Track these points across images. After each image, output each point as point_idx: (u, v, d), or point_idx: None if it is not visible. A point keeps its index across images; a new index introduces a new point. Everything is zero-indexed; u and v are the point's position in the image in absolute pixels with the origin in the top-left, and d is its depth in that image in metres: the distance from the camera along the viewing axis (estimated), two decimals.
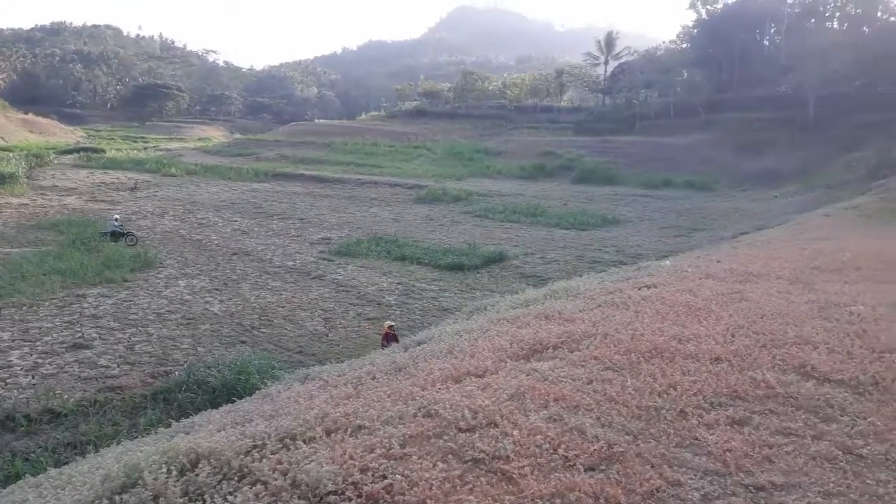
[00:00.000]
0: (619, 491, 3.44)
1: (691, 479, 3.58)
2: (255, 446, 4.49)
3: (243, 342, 14.60)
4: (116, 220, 25.77)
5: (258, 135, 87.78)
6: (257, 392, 8.77)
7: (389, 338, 16.13)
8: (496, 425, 4.26)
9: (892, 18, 75.49)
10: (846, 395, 4.73)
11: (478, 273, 22.31)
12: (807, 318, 7.17)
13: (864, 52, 62.84)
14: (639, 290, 9.79)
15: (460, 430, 4.28)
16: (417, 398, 5.06)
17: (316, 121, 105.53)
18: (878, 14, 76.64)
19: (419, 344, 9.19)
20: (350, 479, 3.71)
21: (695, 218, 36.40)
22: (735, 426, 4.22)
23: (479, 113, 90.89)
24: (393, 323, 17.81)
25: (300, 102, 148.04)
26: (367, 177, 49.95)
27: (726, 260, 12.87)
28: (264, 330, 15.59)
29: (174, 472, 4.16)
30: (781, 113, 61.17)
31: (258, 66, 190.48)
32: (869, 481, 3.53)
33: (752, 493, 3.44)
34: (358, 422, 4.75)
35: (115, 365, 12.61)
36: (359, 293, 19.25)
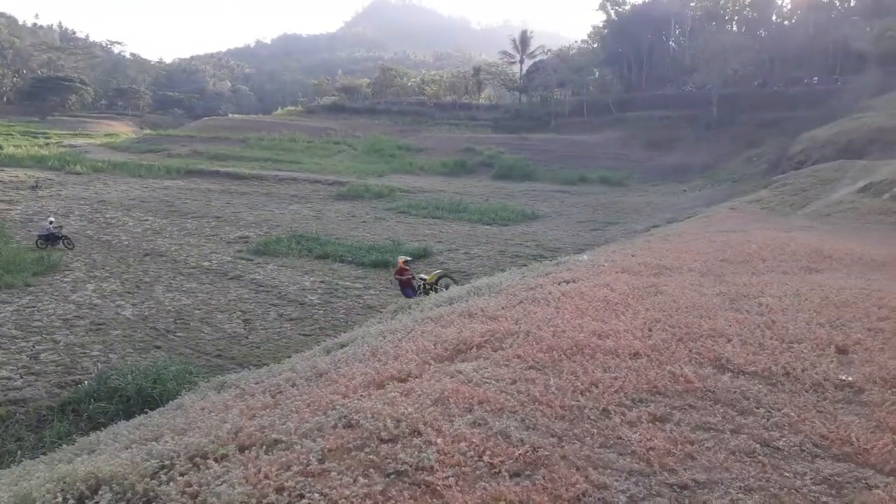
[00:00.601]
0: (546, 497, 3.36)
1: (617, 480, 3.54)
2: (162, 467, 4.17)
3: (158, 347, 13.95)
4: (52, 222, 23.89)
5: (169, 130, 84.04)
6: (170, 403, 8.28)
7: (405, 282, 16.13)
8: (420, 434, 4.10)
9: (786, 22, 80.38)
10: (760, 386, 4.85)
11: None
12: (719, 309, 7.38)
13: (761, 54, 66.69)
14: (558, 285, 9.87)
15: (382, 440, 4.09)
16: (338, 407, 4.83)
17: (230, 116, 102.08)
18: (773, 18, 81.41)
19: (342, 346, 8.93)
20: (265, 501, 3.47)
21: (609, 212, 37.52)
22: (657, 423, 4.23)
23: (399, 109, 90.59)
24: (409, 258, 17.53)
25: (213, 97, 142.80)
26: (285, 173, 48.77)
27: (640, 254, 13.20)
28: (180, 334, 14.93)
29: (70, 502, 3.79)
30: (687, 111, 64.17)
31: (167, 59, 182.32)
32: (786, 474, 3.59)
33: (676, 492, 3.43)
34: (274, 435, 4.49)
35: (18, 376, 11.78)
36: (279, 293, 18.70)
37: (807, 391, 4.76)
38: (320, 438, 4.25)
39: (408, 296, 15.81)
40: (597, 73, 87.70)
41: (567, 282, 10.11)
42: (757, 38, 75.24)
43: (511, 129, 75.38)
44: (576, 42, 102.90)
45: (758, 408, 4.47)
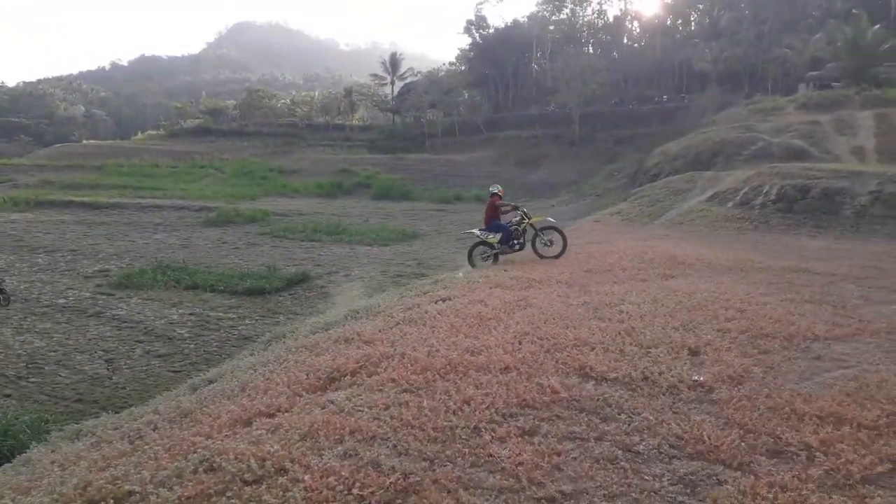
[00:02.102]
0: None
1: (486, 500, 3.52)
2: None
3: (8, 396, 12.50)
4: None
5: (14, 159, 76.96)
6: (18, 458, 7.43)
7: (493, 215, 14.74)
8: (286, 472, 3.90)
9: (636, 45, 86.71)
10: (621, 392, 5.07)
11: (280, 296, 21.13)
12: (584, 319, 7.68)
13: (616, 74, 71.46)
14: (435, 303, 9.92)
15: (245, 482, 3.85)
16: (200, 450, 4.51)
17: (84, 142, 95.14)
18: (625, 41, 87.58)
19: (210, 382, 8.45)
20: None
21: None
22: (525, 437, 4.29)
23: (270, 131, 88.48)
24: (498, 189, 15.52)
25: (64, 122, 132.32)
26: (148, 200, 45.83)
27: (511, 268, 13.58)
28: (34, 379, 13.44)
29: None
30: (552, 130, 67.45)
31: (10, 83, 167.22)
32: (646, 477, 3.74)
33: None
34: (127, 487, 4.11)
35: None
36: (145, 328, 17.33)
37: (663, 394, 5.02)
38: (178, 486, 3.94)
39: (503, 243, 14.57)
40: (466, 94, 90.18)
41: (443, 300, 10.18)
42: (612, 60, 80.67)
43: (386, 149, 75.70)
44: (444, 64, 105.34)
45: (619, 413, 4.65)
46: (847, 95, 45.01)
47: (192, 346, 16.03)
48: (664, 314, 7.61)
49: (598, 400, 4.87)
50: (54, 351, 15.25)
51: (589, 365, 5.65)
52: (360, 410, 4.79)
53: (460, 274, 13.66)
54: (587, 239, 20.05)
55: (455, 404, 4.78)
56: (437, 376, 5.47)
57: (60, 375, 13.73)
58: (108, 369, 14.28)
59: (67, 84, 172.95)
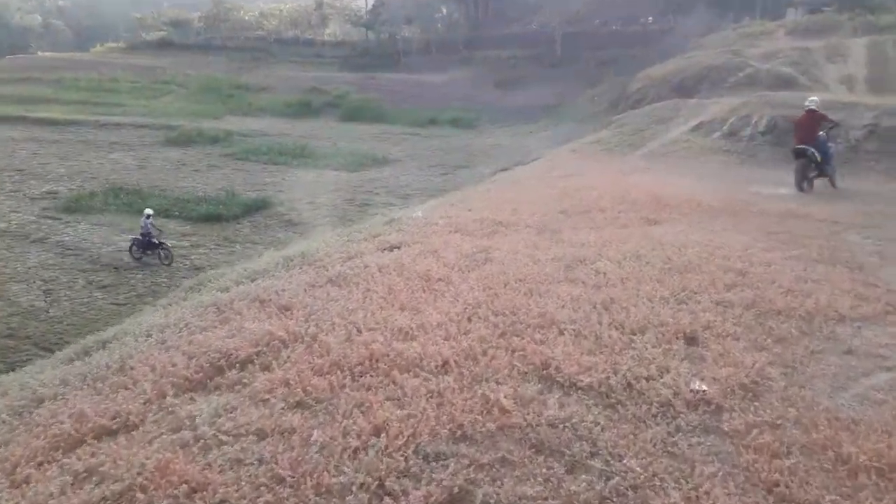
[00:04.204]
0: None
1: None
2: None
3: None
4: (150, 216, 16.31)
5: None
6: None
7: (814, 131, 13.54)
8: None
9: None
10: (596, 412, 3.68)
11: (238, 224, 19.75)
12: (553, 282, 6.27)
13: None
14: (381, 252, 8.45)
15: None
16: None
17: (39, 54, 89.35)
18: None
19: (104, 344, 7.00)
20: None
21: (460, 155, 36.55)
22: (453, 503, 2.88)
23: (236, 45, 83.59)
24: (816, 103, 14.18)
25: (20, 32, 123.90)
26: (106, 117, 42.74)
27: (478, 207, 12.06)
28: None
29: None
30: (532, 50, 64.48)
31: None
32: None
33: None
34: None
35: None
36: (90, 256, 15.93)
37: (654, 417, 3.65)
38: None
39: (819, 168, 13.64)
40: (444, 10, 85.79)
41: (391, 248, 8.70)
42: None
43: (358, 67, 72.01)
44: None
45: (592, 457, 3.26)
46: (839, 21, 43.03)
47: (139, 276, 14.81)
48: (651, 278, 6.19)
49: (563, 428, 3.48)
50: None
51: (555, 361, 4.23)
52: (222, 444, 3.35)
53: (419, 213, 12.11)
54: (564, 171, 18.46)
55: (360, 437, 3.36)
56: (347, 378, 4.04)
57: None
58: (45, 301, 13.08)
59: None
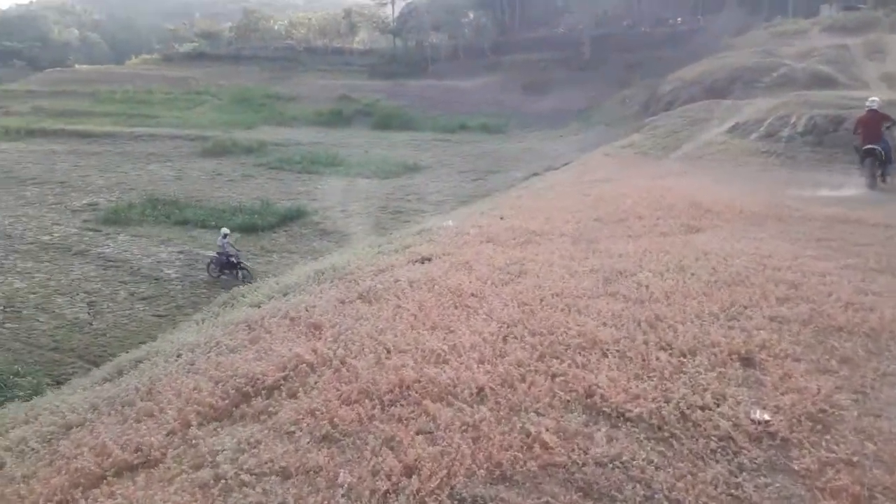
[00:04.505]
0: None
1: None
2: None
3: None
4: (226, 235, 15.94)
5: (6, 85, 73.80)
6: None
7: (878, 131, 13.63)
8: None
9: None
10: (649, 448, 3.35)
11: (274, 233, 20.10)
12: (591, 297, 5.95)
13: None
14: (411, 265, 8.22)
15: None
16: None
17: (76, 67, 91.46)
18: None
19: (137, 363, 6.91)
20: None
21: (490, 160, 36.34)
22: None
23: (267, 55, 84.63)
24: (878, 103, 14.31)
25: (59, 47, 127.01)
26: (141, 129, 43.57)
27: (510, 214, 11.78)
28: (9, 325, 12.54)
29: None
30: (560, 54, 63.95)
31: (3, 5, 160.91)
32: None
33: None
34: None
35: None
36: (131, 268, 16.25)
37: (714, 454, 3.30)
38: None
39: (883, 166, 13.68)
40: (471, 16, 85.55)
41: (422, 260, 8.46)
42: None
43: (387, 75, 72.29)
44: None
45: (647, 501, 2.95)
46: (876, 17, 41.82)
47: (178, 287, 15.08)
48: (697, 292, 5.82)
49: (612, 468, 3.16)
50: (34, 293, 14.30)
51: (599, 388, 3.91)
52: (241, 487, 3.12)
53: (450, 222, 11.86)
54: (596, 176, 18.05)
55: (389, 478, 3.09)
56: (375, 410, 3.78)
57: (39, 321, 12.79)
58: (89, 314, 13.40)
59: (61, 6, 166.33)
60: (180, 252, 17.57)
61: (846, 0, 51.05)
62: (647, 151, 24.11)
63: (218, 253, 15.43)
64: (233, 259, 15.47)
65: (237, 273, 15.52)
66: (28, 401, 7.61)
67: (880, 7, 44.44)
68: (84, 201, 24.20)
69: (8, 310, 13.27)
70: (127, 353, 7.80)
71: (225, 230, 15.95)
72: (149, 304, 13.96)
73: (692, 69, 39.57)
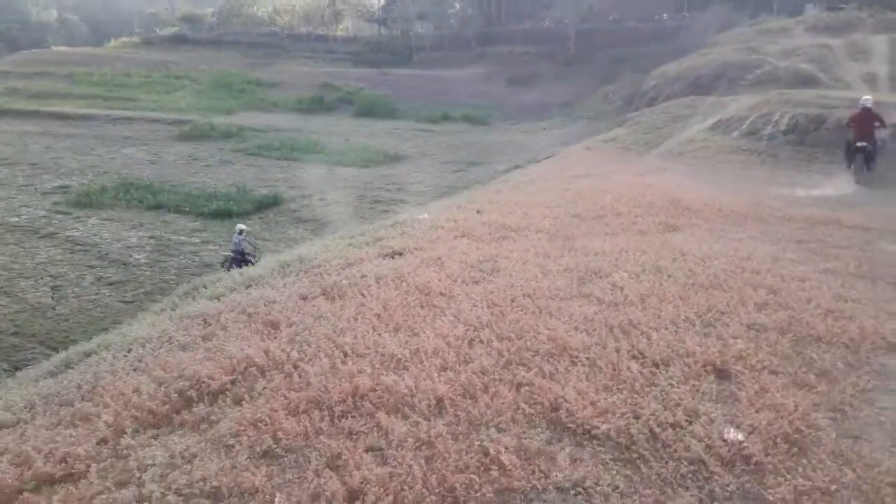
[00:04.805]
0: None
1: None
2: None
3: None
4: (242, 232, 14.93)
5: None
6: None
7: (870, 129, 14.55)
8: None
9: None
10: (615, 471, 3.10)
11: (249, 220, 19.67)
12: (564, 298, 5.71)
13: None
14: (381, 260, 7.93)
15: None
16: None
17: (53, 48, 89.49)
18: None
19: (86, 356, 6.57)
20: None
21: (472, 152, 36.10)
22: None
23: (249, 40, 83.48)
24: (870, 101, 15.12)
25: (38, 28, 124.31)
26: (119, 112, 42.69)
27: (488, 208, 11.52)
28: None
29: None
30: (546, 47, 63.92)
31: None
32: None
33: None
34: None
35: None
36: (100, 252, 15.79)
37: (683, 479, 3.06)
38: None
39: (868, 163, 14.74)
40: (457, 6, 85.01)
41: (392, 255, 8.18)
42: None
43: (371, 63, 71.66)
44: None
45: None
46: (859, 18, 41.98)
47: (147, 272, 14.64)
48: (673, 295, 5.60)
49: (574, 493, 2.91)
50: None
51: (566, 402, 3.66)
52: None
53: (425, 215, 11.56)
54: (577, 171, 17.84)
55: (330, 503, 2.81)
56: (324, 423, 3.50)
57: (0, 304, 12.32)
58: (52, 298, 12.99)
59: None
60: (151, 237, 17.15)
61: (830, 0, 51.33)
62: (629, 146, 23.98)
63: (233, 251, 14.52)
64: (250, 258, 14.00)
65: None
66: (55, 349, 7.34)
67: (864, 8, 44.67)
68: (55, 184, 23.56)
69: None
70: (76, 345, 7.43)
71: (241, 226, 15.00)
72: (115, 289, 13.57)
73: (677, 65, 39.53)
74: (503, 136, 42.15)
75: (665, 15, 69.32)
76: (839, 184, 15.37)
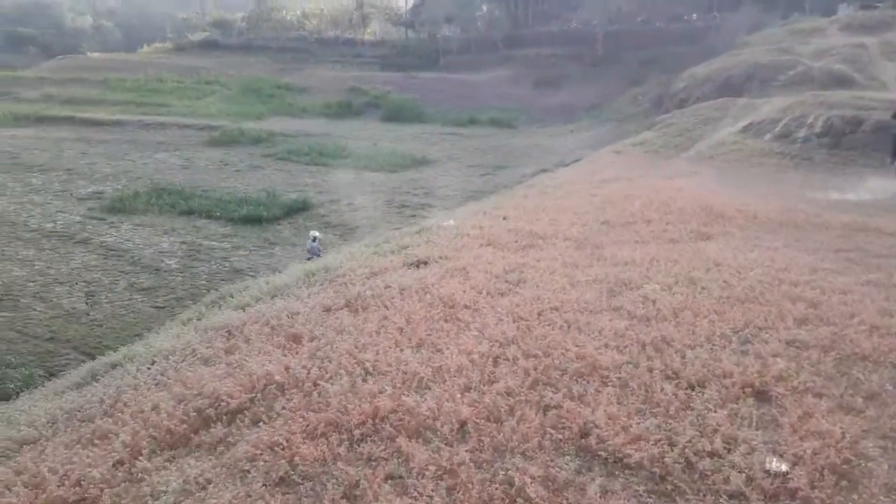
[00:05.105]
0: None
1: None
2: None
3: None
4: (316, 238, 15.54)
5: (19, 72, 73.65)
6: None
7: None
8: None
9: None
10: None
11: (278, 225, 19.75)
12: (593, 312, 5.52)
13: None
14: (405, 269, 7.81)
15: None
16: None
17: (88, 55, 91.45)
18: None
19: (113, 367, 6.59)
20: None
21: (499, 155, 35.94)
22: None
23: (278, 45, 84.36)
24: None
25: (73, 34, 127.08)
26: (151, 118, 43.33)
27: (514, 214, 11.33)
28: (5, 314, 12.01)
29: None
30: (573, 49, 63.48)
31: None
32: None
33: None
34: None
35: None
36: (132, 258, 15.87)
37: None
38: None
39: None
40: (484, 9, 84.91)
41: (417, 264, 8.05)
42: None
43: (398, 67, 71.89)
44: None
45: None
46: (894, 16, 40.97)
47: (179, 278, 14.59)
48: (708, 309, 5.38)
49: None
50: (33, 281, 13.76)
51: (596, 427, 3.48)
52: None
53: (451, 222, 11.42)
54: (606, 175, 17.55)
55: None
56: (342, 448, 3.37)
57: (36, 310, 12.32)
58: (86, 303, 12.90)
59: None
60: (183, 242, 17.27)
61: None
62: (658, 150, 23.58)
63: (308, 259, 14.69)
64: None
65: None
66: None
67: None
68: (90, 189, 23.91)
69: (5, 298, 12.80)
70: (104, 355, 7.44)
71: (314, 233, 15.30)
72: (148, 294, 13.50)
73: (707, 66, 38.92)
74: (530, 140, 41.88)
75: (694, 15, 68.46)
76: (877, 188, 14.90)
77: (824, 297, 5.75)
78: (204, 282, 14.62)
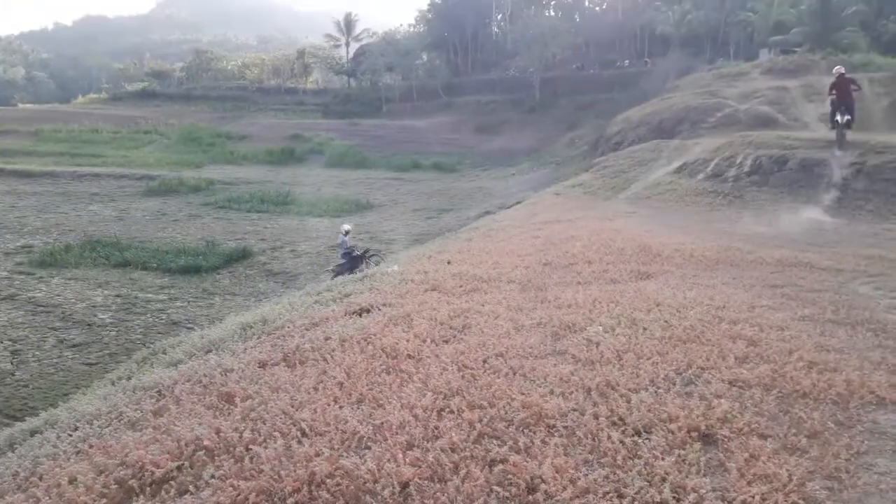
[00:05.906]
0: None
1: None
2: None
3: None
4: (347, 232, 15.89)
5: None
6: None
7: (846, 89, 18.53)
8: None
9: (597, 8, 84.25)
10: None
11: (218, 274, 19.58)
12: (538, 357, 5.44)
13: (577, 38, 69.50)
14: (347, 318, 7.61)
15: None
16: None
17: (19, 106, 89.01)
18: (587, 3, 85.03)
19: (32, 434, 6.13)
20: None
21: (443, 199, 36.33)
22: None
23: (218, 94, 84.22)
24: (842, 68, 19.09)
25: (4, 85, 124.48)
26: (85, 168, 42.24)
27: (458, 259, 11.30)
28: None
29: None
30: (512, 95, 65.51)
31: None
32: None
33: None
34: None
35: None
36: (63, 313, 15.30)
37: None
38: None
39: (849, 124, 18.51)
40: (425, 58, 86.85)
41: (360, 312, 7.87)
42: (573, 23, 78.23)
43: (341, 114, 72.54)
44: (402, 25, 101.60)
45: None
46: (813, 60, 43.61)
47: (112, 333, 14.18)
48: (650, 351, 5.36)
49: None
50: None
51: (543, 482, 3.35)
52: None
53: (396, 267, 11.30)
54: (547, 217, 17.81)
55: None
56: None
57: None
58: (11, 363, 12.47)
59: (7, 45, 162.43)
60: (117, 295, 16.70)
61: (783, 44, 53.35)
62: (597, 191, 24.15)
63: (342, 256, 14.88)
64: (356, 252, 15.14)
65: (368, 262, 15.15)
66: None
67: (816, 51, 46.45)
68: (18, 243, 22.96)
69: None
70: (22, 422, 6.92)
71: (346, 226, 15.59)
72: (79, 351, 13.09)
73: (640, 109, 40.43)
74: (473, 183, 42.45)
75: (626, 62, 71.59)
76: (804, 222, 15.54)
77: (763, 334, 5.83)
78: (139, 335, 14.25)
